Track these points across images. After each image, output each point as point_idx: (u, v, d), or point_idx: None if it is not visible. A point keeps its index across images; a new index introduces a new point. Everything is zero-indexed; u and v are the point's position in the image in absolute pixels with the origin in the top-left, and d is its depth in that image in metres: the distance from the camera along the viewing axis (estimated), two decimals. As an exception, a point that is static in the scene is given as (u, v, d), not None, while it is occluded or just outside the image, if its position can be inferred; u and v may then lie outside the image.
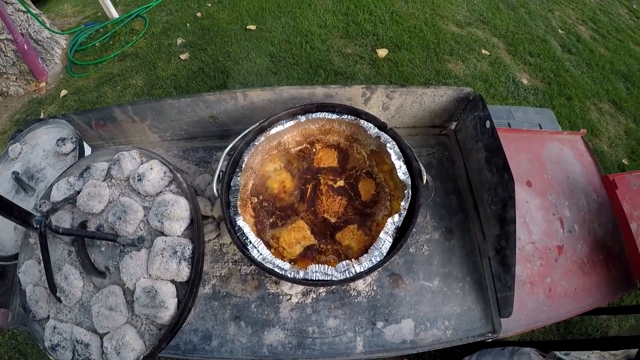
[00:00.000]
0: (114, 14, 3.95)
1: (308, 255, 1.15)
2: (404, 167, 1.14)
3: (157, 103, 1.38)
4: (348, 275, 1.00)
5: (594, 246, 1.39)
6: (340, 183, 1.29)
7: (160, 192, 1.10)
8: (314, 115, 1.27)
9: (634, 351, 1.23)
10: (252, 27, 3.69)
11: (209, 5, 4.03)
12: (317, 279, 1.00)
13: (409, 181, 1.12)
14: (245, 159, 1.18)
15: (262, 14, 3.82)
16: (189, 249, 1.00)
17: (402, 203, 1.08)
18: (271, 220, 1.23)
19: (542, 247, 1.34)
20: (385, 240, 1.03)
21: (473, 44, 3.63)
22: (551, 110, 1.88)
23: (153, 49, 3.65)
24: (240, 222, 1.08)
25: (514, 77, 3.41)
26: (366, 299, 1.20)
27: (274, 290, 1.21)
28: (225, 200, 1.12)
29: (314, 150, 1.35)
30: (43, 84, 3.51)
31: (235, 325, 1.17)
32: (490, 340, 1.19)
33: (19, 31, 3.22)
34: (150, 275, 0.98)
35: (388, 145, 1.17)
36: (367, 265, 1.00)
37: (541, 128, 1.76)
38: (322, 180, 1.29)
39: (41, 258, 0.98)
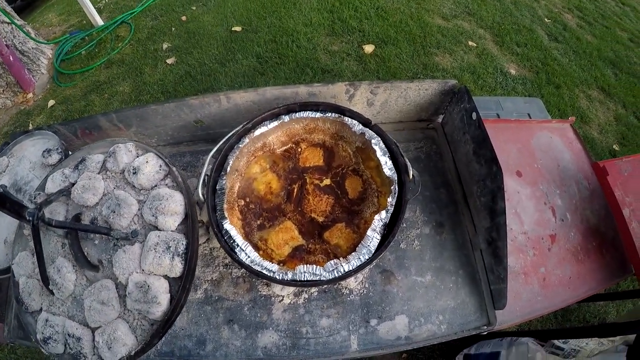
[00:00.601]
0: (99, 21, 3.91)
1: (297, 256, 1.14)
2: (389, 162, 1.13)
3: (141, 109, 1.36)
4: (336, 275, 0.99)
5: (587, 233, 1.39)
6: (327, 182, 1.28)
7: (155, 185, 1.09)
8: (297, 114, 1.26)
9: (632, 337, 1.22)
10: (238, 28, 3.67)
11: (194, 8, 4.00)
12: (305, 279, 0.99)
13: (395, 177, 1.11)
14: (230, 162, 1.17)
15: (248, 15, 3.80)
16: (182, 244, 0.99)
17: (389, 199, 1.08)
18: (259, 222, 1.21)
19: (535, 237, 1.34)
20: (373, 237, 1.02)
21: (460, 36, 3.62)
22: (540, 100, 1.88)
23: (139, 54, 3.61)
24: (227, 225, 1.06)
25: (501, 67, 3.41)
26: (359, 297, 1.19)
27: (265, 292, 1.20)
28: (212, 204, 1.11)
29: (299, 149, 1.34)
30: (30, 95, 3.46)
31: (228, 329, 1.16)
32: (485, 333, 1.18)
33: (4, 43, 3.17)
34: (143, 270, 0.97)
35: (373, 141, 1.16)
36: (355, 264, 0.99)
37: (530, 117, 1.76)
38: (308, 180, 1.28)
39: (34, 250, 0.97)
